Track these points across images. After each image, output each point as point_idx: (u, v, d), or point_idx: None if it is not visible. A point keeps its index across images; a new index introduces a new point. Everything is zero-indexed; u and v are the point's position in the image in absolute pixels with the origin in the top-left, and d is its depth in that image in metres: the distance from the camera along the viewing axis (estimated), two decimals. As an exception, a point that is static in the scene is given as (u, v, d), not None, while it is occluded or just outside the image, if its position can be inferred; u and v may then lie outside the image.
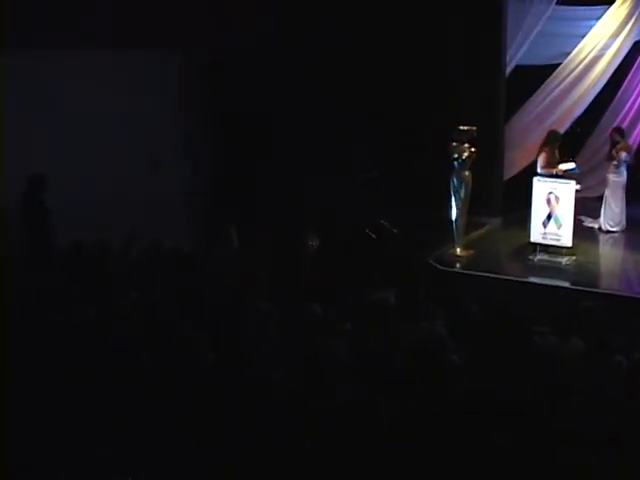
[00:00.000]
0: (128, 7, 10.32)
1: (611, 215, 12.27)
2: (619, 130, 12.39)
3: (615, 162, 12.06)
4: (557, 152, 11.76)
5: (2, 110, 9.41)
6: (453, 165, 11.30)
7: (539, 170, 11.61)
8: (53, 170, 9.68)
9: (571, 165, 11.60)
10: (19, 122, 9.73)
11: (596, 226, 12.42)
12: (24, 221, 9.71)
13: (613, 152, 12.08)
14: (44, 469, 5.42)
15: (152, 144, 11.52)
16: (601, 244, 12.14)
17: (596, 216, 12.43)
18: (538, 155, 11.76)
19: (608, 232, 12.29)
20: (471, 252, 11.51)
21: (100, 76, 10.72)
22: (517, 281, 10.47)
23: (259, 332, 6.90)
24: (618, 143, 12.13)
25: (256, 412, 5.61)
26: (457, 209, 11.42)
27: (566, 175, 11.39)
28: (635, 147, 13.46)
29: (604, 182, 12.34)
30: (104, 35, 10.16)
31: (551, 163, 11.60)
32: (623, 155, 12.02)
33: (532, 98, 13.41)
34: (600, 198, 12.46)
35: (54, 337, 6.47)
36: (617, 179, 12.15)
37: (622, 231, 12.29)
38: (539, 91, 13.36)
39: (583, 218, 12.34)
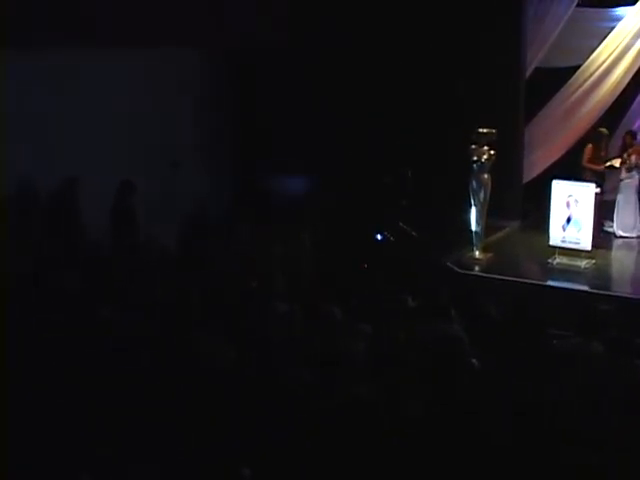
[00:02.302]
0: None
1: (623, 220, 12.18)
2: (631, 133, 12.32)
3: (626, 166, 12.01)
4: (602, 149, 12.09)
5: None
6: (472, 168, 11.28)
7: (584, 164, 12.04)
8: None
9: (616, 163, 11.89)
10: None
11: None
12: (116, 225, 10.06)
13: (624, 156, 12.01)
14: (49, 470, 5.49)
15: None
16: (620, 248, 12.06)
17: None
18: (584, 150, 12.16)
19: (619, 237, 12.21)
20: (490, 255, 11.50)
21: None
22: (536, 284, 10.46)
23: (276, 332, 6.96)
24: (630, 146, 12.08)
25: (269, 412, 5.66)
26: (476, 212, 11.42)
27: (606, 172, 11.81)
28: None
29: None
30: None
31: (595, 159, 11.92)
32: (634, 158, 11.95)
33: (552, 100, 13.37)
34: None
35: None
36: (629, 183, 12.07)
37: (637, 236, 12.17)
38: (560, 93, 13.32)
39: (604, 222, 12.29)
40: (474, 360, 6.40)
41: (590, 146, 12.22)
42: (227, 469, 5.24)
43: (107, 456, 5.37)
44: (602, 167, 12.05)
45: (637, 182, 12.07)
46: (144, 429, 5.68)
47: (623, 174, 12.08)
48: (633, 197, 12.10)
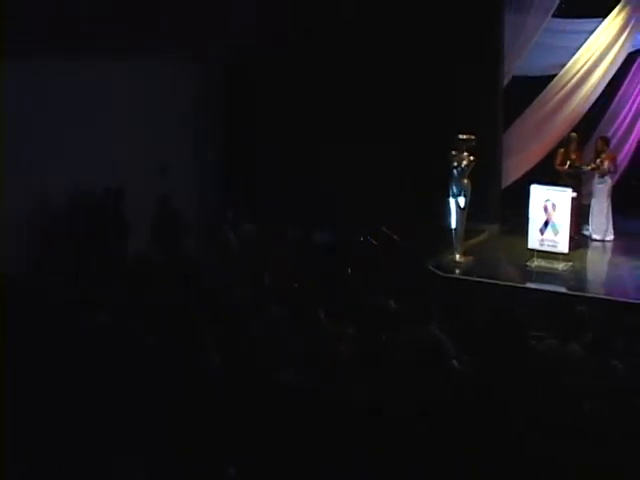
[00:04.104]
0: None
1: (597, 224, 12.44)
2: (604, 139, 12.55)
3: (599, 171, 12.24)
4: (572, 152, 12.37)
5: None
6: (453, 173, 11.48)
7: (556, 167, 12.41)
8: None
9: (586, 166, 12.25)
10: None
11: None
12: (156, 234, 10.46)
13: (598, 161, 12.23)
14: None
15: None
16: (596, 251, 12.30)
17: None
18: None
19: (595, 240, 12.46)
20: (470, 258, 11.69)
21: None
22: (515, 286, 10.65)
23: (263, 334, 7.06)
24: (603, 152, 12.30)
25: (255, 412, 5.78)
26: (456, 216, 11.61)
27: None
28: (630, 155, 13.73)
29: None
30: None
31: (565, 163, 12.28)
32: (606, 164, 12.18)
33: (529, 108, 13.62)
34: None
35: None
36: (602, 188, 12.32)
37: (611, 240, 12.42)
38: (536, 101, 13.57)
39: (582, 225, 12.52)
40: (454, 361, 6.54)
41: (562, 150, 12.52)
42: (214, 468, 5.35)
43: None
44: (565, 168, 12.29)
45: (610, 187, 12.32)
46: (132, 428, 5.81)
47: (596, 179, 12.33)
48: (606, 202, 12.33)
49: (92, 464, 5.53)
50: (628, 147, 13.82)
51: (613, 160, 12.37)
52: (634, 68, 13.73)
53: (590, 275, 11.59)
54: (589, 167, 12.29)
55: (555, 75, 13.48)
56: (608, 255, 12.27)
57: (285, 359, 6.58)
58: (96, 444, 5.71)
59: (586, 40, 13.21)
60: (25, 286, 7.88)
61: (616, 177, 12.67)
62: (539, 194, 11.39)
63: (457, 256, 11.65)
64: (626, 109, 13.88)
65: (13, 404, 5.84)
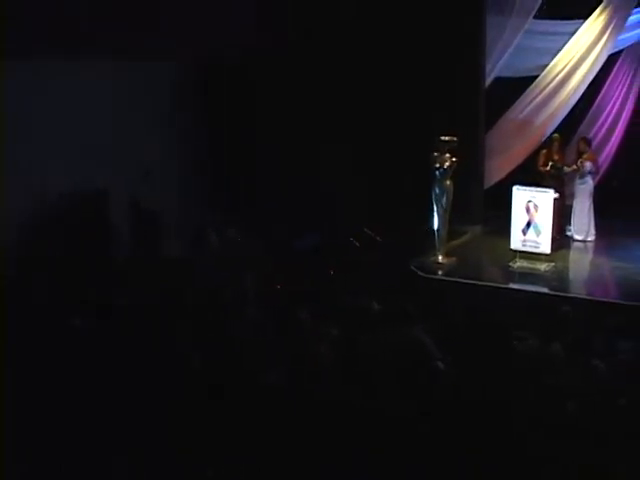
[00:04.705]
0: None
1: (579, 225, 12.49)
2: (585, 140, 12.60)
3: (580, 172, 12.29)
4: (555, 153, 12.41)
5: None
6: (435, 174, 11.50)
7: (538, 168, 12.42)
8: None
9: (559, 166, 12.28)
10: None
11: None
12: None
13: (578, 162, 12.28)
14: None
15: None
16: (578, 251, 12.34)
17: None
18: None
19: (577, 241, 12.51)
20: (452, 259, 11.71)
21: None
22: (498, 287, 10.66)
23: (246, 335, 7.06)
24: (584, 153, 12.36)
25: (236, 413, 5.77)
26: (439, 217, 11.63)
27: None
28: (612, 155, 13.80)
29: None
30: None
31: (548, 163, 12.31)
32: (588, 165, 12.24)
33: (511, 109, 13.66)
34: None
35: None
36: (583, 188, 12.37)
37: (593, 240, 12.47)
38: (518, 102, 13.61)
39: (565, 226, 12.56)
40: (438, 362, 6.55)
41: (544, 151, 12.58)
42: (193, 471, 5.35)
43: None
44: (547, 169, 12.34)
45: (591, 188, 12.37)
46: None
47: (577, 180, 12.38)
48: (587, 202, 12.38)
49: (77, 464, 5.52)
50: (609, 148, 13.89)
51: (594, 161, 12.43)
52: (615, 69, 13.80)
53: (572, 275, 11.63)
54: (571, 168, 12.35)
55: (537, 76, 13.51)
56: (590, 255, 12.30)
57: (268, 361, 6.56)
58: (80, 445, 5.70)
59: (568, 41, 13.27)
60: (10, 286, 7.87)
61: (598, 178, 12.73)
62: (521, 195, 11.42)
63: (440, 257, 11.66)
64: (607, 110, 13.94)
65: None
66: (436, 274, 11.24)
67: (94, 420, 5.92)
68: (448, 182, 11.51)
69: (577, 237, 12.51)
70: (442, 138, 11.38)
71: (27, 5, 9.22)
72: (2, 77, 9.42)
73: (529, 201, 11.36)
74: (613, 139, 13.92)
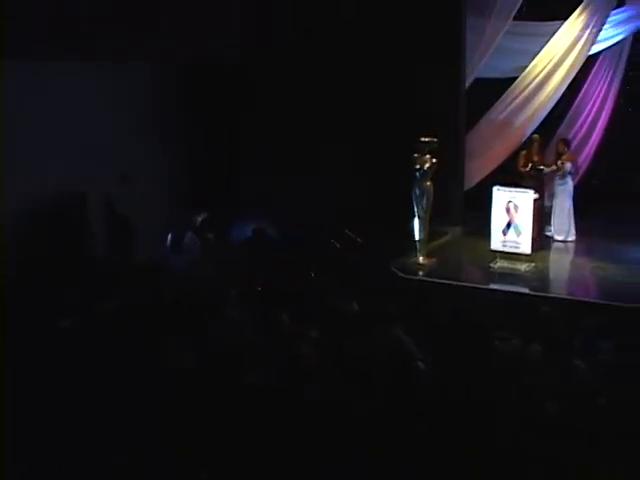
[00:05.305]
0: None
1: (559, 225, 12.55)
2: (564, 141, 12.67)
3: (560, 172, 12.35)
4: (535, 154, 12.46)
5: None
6: (415, 176, 11.50)
7: (519, 169, 12.48)
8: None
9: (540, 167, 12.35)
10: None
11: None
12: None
13: (558, 163, 12.34)
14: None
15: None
16: (558, 251, 12.39)
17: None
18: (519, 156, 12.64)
19: (557, 241, 12.56)
20: (433, 260, 11.72)
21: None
22: (478, 288, 10.68)
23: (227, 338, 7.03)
24: (564, 154, 12.41)
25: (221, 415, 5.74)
26: (419, 218, 11.63)
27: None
28: (591, 156, 13.88)
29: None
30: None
31: (528, 164, 12.36)
32: (568, 165, 12.30)
33: (491, 110, 13.70)
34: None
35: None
36: (563, 189, 12.43)
37: (573, 240, 12.53)
38: (498, 103, 13.65)
39: (545, 226, 12.61)
40: (419, 362, 6.54)
41: (524, 152, 12.63)
42: (185, 472, 5.32)
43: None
44: (527, 169, 12.39)
45: (571, 188, 12.44)
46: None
47: (557, 180, 12.44)
48: (567, 202, 12.45)
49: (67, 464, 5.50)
50: (589, 149, 13.99)
51: (574, 161, 12.50)
52: (594, 70, 13.90)
53: (552, 276, 11.67)
54: (550, 168, 12.40)
55: (517, 77, 13.55)
56: (570, 255, 12.36)
57: (249, 362, 6.55)
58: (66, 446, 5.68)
59: (547, 43, 13.32)
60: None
61: (577, 178, 12.78)
62: (501, 196, 11.45)
63: (420, 258, 11.67)
64: (586, 111, 14.06)
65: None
66: (417, 275, 11.26)
67: (77, 422, 5.88)
68: (428, 183, 11.52)
69: (557, 237, 12.57)
70: (422, 139, 11.39)
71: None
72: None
73: (509, 202, 11.39)
74: (592, 139, 14.03)
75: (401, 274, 11.15)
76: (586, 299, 10.26)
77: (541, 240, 12.18)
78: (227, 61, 12.54)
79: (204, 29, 11.77)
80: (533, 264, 11.35)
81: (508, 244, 11.40)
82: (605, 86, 13.96)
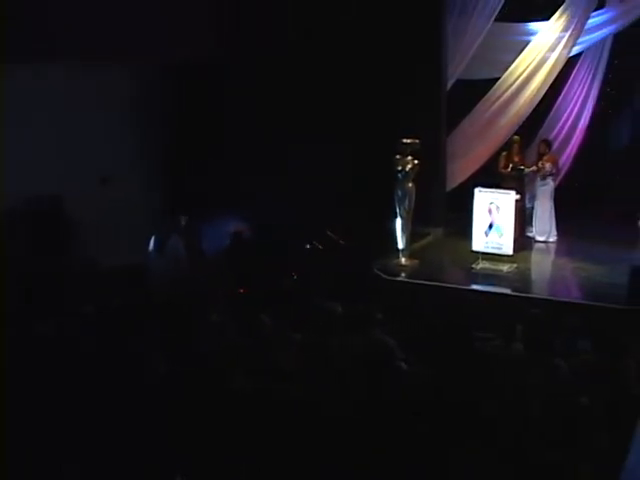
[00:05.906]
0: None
1: (540, 225, 12.60)
2: (546, 142, 12.73)
3: (541, 173, 12.40)
4: (515, 155, 12.50)
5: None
6: (397, 177, 11.51)
7: (499, 170, 12.51)
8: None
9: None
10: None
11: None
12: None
13: (539, 164, 12.40)
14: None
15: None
16: (540, 252, 12.44)
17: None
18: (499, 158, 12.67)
19: (538, 242, 12.62)
20: (415, 261, 11.73)
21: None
22: (460, 289, 10.70)
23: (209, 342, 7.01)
24: (545, 155, 12.46)
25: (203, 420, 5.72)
26: (401, 220, 11.63)
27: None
28: (572, 157, 13.94)
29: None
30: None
31: (508, 165, 12.40)
32: (548, 166, 12.35)
33: (473, 112, 13.72)
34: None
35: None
36: (544, 190, 12.48)
37: (554, 241, 12.61)
38: (480, 105, 13.67)
39: (526, 227, 12.66)
40: (402, 363, 6.54)
41: (504, 153, 12.67)
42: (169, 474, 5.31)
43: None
44: (508, 170, 12.42)
45: (552, 189, 12.49)
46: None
47: (538, 181, 12.49)
48: (548, 203, 12.50)
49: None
50: (570, 149, 14.05)
51: (555, 162, 12.56)
52: (575, 71, 13.96)
53: (534, 276, 11.71)
54: (531, 169, 12.45)
55: (498, 79, 13.59)
56: (552, 256, 12.42)
57: (231, 364, 6.53)
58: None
59: (528, 44, 13.36)
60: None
61: (558, 179, 12.85)
62: (483, 197, 11.48)
63: (402, 259, 11.68)
64: (568, 112, 14.11)
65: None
66: (399, 276, 11.26)
67: (57, 428, 5.85)
68: (410, 184, 11.53)
69: (539, 238, 12.62)
70: (404, 140, 11.40)
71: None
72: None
73: (491, 203, 11.42)
74: (574, 140, 14.08)
75: (383, 275, 11.16)
76: (568, 299, 10.31)
77: (523, 241, 12.23)
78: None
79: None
80: (515, 265, 11.39)
81: (490, 245, 11.43)
82: (586, 87, 14.02)
